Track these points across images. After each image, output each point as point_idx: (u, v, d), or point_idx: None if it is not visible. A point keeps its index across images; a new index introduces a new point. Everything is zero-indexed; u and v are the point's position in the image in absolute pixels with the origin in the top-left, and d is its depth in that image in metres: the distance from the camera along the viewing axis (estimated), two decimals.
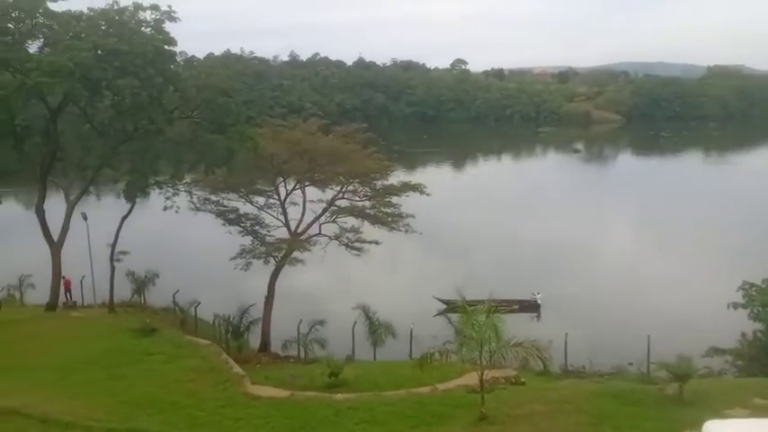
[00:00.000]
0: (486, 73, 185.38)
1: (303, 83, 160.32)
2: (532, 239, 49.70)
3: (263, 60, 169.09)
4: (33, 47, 27.94)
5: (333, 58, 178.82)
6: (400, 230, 31.75)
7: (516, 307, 31.18)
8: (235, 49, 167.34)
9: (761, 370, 21.11)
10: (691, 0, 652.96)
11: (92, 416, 14.26)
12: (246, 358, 25.98)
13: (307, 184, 32.81)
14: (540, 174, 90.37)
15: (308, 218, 32.08)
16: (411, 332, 25.99)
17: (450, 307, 33.53)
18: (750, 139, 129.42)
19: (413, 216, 31.93)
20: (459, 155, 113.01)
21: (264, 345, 30.08)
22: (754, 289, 23.29)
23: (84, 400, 16.26)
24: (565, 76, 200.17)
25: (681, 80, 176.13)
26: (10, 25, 26.96)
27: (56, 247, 29.87)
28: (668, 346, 20.21)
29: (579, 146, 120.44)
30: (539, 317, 34.65)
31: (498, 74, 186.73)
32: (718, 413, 13.09)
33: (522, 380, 19.17)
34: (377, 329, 26.79)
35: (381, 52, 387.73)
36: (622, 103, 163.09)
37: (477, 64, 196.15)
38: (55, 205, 32.08)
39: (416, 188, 32.73)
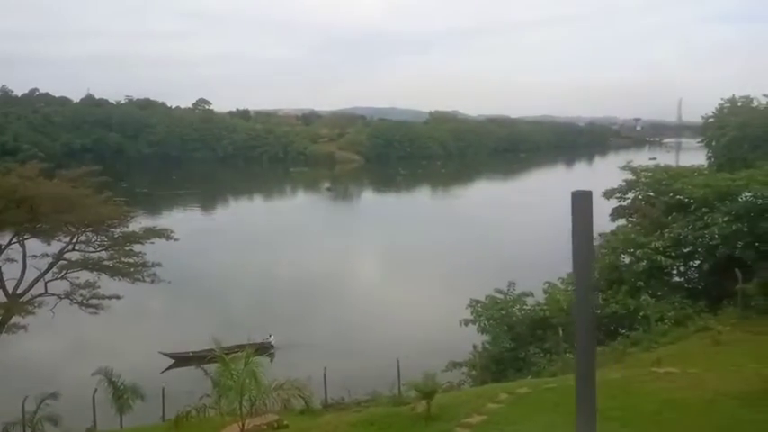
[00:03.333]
0: (231, 113, 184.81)
1: (19, 121, 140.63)
2: (288, 279, 50.35)
3: None
4: None
5: (56, 94, 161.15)
6: (145, 281, 29.35)
7: (251, 351, 31.06)
8: None
9: (491, 376, 24.02)
10: (414, 55, 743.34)
11: None
12: None
13: (27, 236, 28.51)
14: (295, 213, 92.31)
15: (31, 275, 27.79)
16: (163, 391, 23.89)
17: (179, 361, 32.49)
18: (467, 175, 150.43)
19: (159, 264, 29.84)
20: (209, 196, 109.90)
21: None
22: (479, 305, 26.57)
23: None
24: (309, 118, 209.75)
25: (409, 124, 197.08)
26: None
27: None
28: (416, 367, 21.78)
29: (330, 185, 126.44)
30: (272, 358, 34.67)
31: (244, 114, 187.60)
32: (460, 423, 14.44)
33: (285, 422, 18.82)
34: (122, 394, 23.98)
35: (114, 90, 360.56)
36: (361, 144, 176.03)
37: (221, 104, 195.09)
38: None
39: (162, 234, 30.86)
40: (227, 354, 15.00)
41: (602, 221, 32.44)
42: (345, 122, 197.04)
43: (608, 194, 31.60)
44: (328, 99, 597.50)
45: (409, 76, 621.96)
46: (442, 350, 28.69)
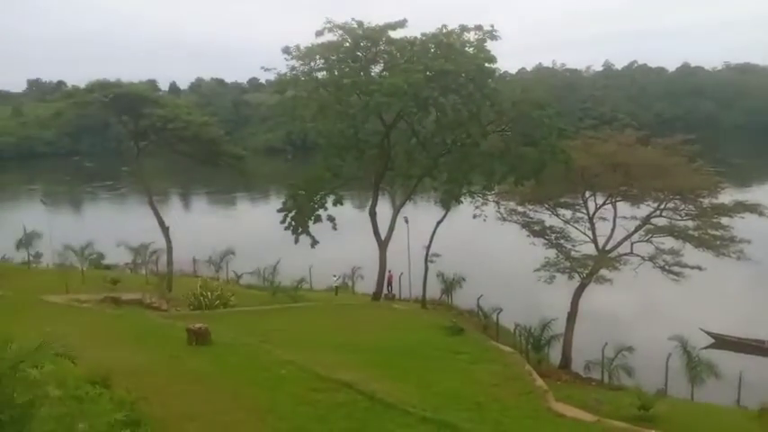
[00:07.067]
0: None
1: (617, 93, 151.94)
2: None
3: (574, 72, 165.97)
4: (374, 71, 32.06)
5: (652, 65, 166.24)
6: (731, 257, 27.79)
7: None
8: (546, 63, 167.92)
9: None
10: None
11: (408, 401, 15.60)
12: (546, 373, 25.63)
13: (618, 199, 31.07)
14: None
15: (619, 235, 30.33)
16: (740, 376, 22.50)
17: (719, 342, 30.17)
18: None
19: (748, 241, 27.67)
20: None
21: (565, 362, 29.41)
22: None
23: (401, 384, 17.89)
24: None
25: None
26: (359, 53, 31.47)
27: (383, 245, 33.93)
28: None
29: None
30: None
31: None
32: None
33: None
34: (696, 366, 23.85)
35: (710, 57, 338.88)
36: None
37: None
38: (383, 209, 36.44)
39: (754, 209, 28.40)
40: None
41: None
42: None
43: None
44: None
45: None
46: None
